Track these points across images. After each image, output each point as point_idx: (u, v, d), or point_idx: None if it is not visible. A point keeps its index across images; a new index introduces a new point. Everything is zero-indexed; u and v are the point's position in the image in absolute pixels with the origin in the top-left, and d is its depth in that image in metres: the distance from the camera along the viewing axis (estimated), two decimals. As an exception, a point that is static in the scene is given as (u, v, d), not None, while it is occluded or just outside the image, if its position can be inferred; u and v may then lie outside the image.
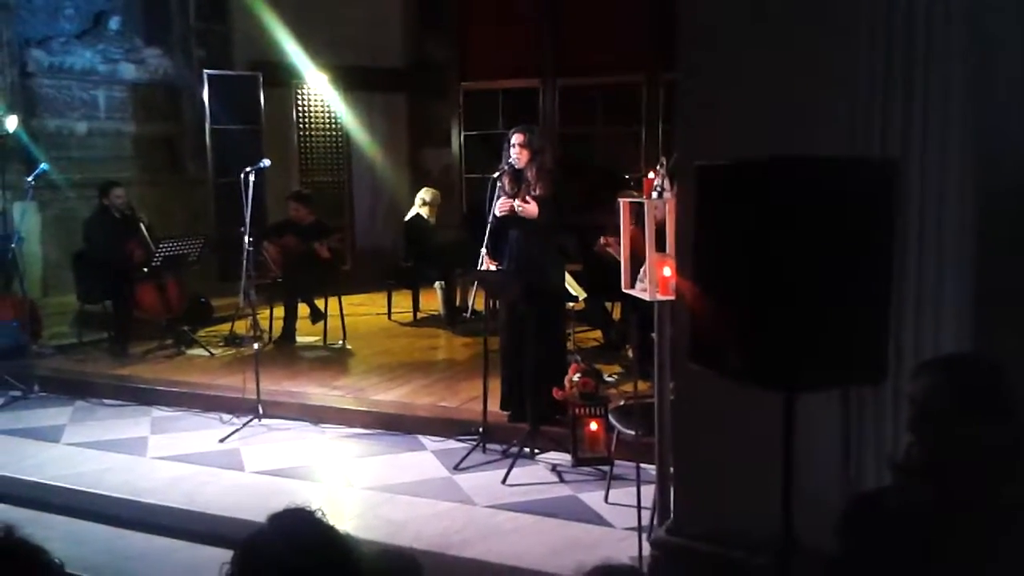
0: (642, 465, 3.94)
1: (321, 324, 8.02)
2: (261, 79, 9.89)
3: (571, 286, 6.44)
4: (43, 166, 7.78)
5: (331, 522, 1.60)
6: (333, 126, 11.11)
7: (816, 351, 2.01)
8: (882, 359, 2.11)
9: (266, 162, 6.49)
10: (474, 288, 5.92)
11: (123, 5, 9.58)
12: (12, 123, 7.77)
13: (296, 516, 1.59)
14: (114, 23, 9.44)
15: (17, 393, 6.73)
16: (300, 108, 10.93)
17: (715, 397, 2.97)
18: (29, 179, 7.64)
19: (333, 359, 7.53)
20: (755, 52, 3.03)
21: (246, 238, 6.19)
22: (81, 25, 9.24)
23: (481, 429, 5.34)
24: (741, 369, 2.10)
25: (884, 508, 2.00)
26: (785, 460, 2.09)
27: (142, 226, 7.87)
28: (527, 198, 5.33)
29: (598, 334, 7.55)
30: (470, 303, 6.78)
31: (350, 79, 10.83)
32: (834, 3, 2.93)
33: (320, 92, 10.88)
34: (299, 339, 7.96)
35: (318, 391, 6.47)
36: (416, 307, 9.03)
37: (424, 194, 9.04)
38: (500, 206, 5.36)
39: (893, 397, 2.84)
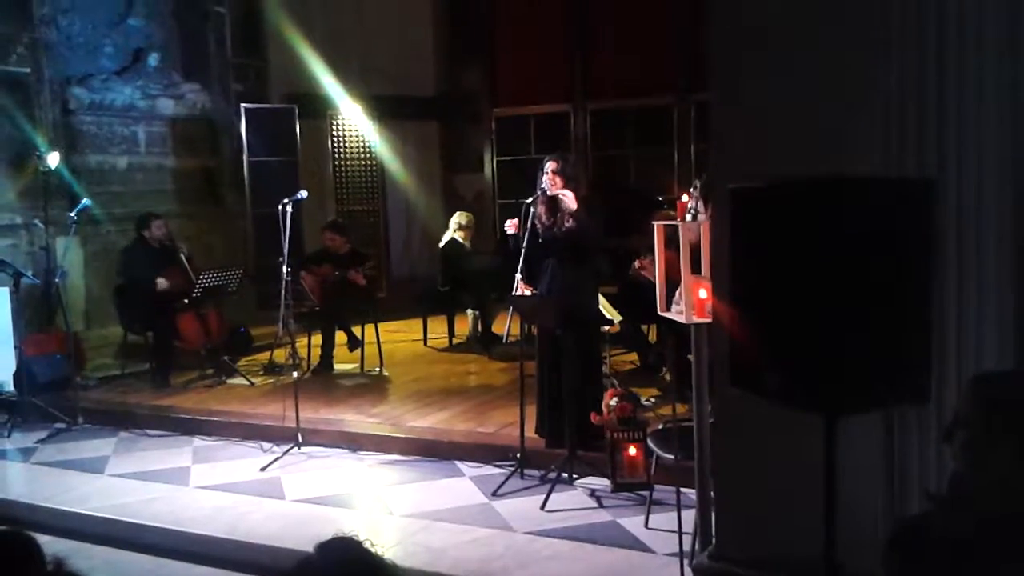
0: (682, 489, 3.91)
1: (358, 351, 8.07)
2: (297, 111, 10.05)
3: (606, 309, 6.42)
4: (85, 202, 7.92)
5: (377, 551, 1.61)
6: (367, 155, 11.23)
7: (857, 373, 1.99)
8: (925, 380, 2.09)
9: (304, 193, 6.56)
10: (510, 313, 5.93)
11: (161, 42, 9.78)
12: (54, 160, 7.93)
13: (343, 545, 1.59)
14: (153, 59, 9.62)
15: (62, 425, 6.83)
16: (335, 139, 11.07)
17: (756, 420, 2.94)
18: (71, 214, 7.79)
19: (370, 386, 7.56)
20: (786, 73, 3.03)
21: (284, 268, 6.26)
22: (120, 62, 9.43)
23: (519, 455, 5.33)
24: (781, 392, 2.09)
25: (929, 534, 1.97)
26: (827, 484, 2.07)
27: (183, 257, 7.98)
28: (565, 191, 5.37)
29: (634, 357, 7.52)
30: (506, 328, 6.80)
31: (383, 108, 10.97)
32: (866, 23, 2.92)
33: (354, 122, 11.01)
34: (337, 367, 8.02)
35: (356, 418, 6.50)
36: (452, 333, 9.06)
37: (459, 218, 9.10)
38: (509, 227, 5.52)
39: (937, 419, 2.80)
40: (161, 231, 7.92)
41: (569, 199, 5.37)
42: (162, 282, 7.70)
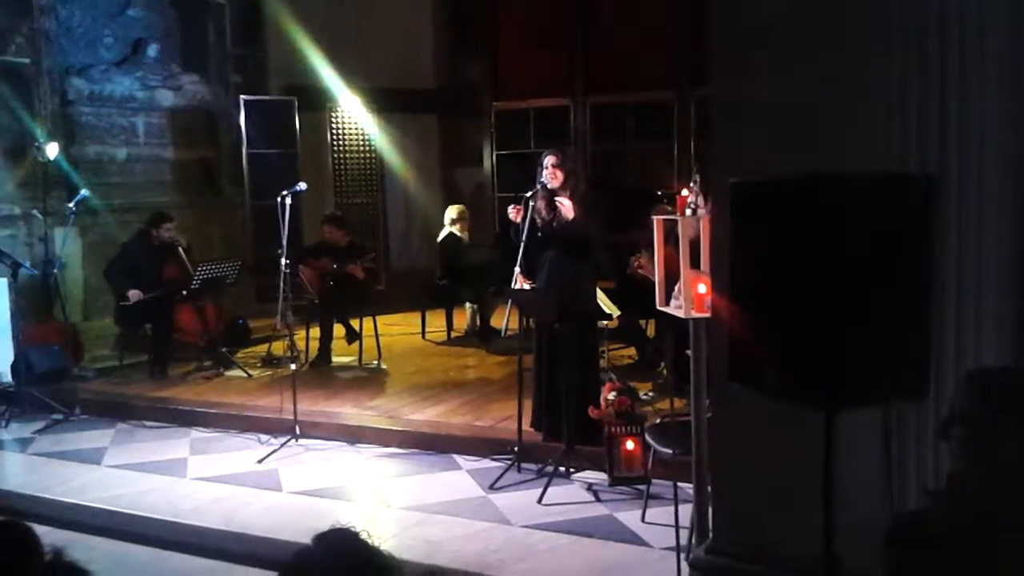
0: (679, 484, 3.91)
1: (356, 344, 8.07)
2: (296, 103, 10.02)
3: (605, 304, 6.42)
4: (83, 192, 7.94)
5: (374, 543, 1.61)
6: (367, 148, 11.22)
7: (856, 369, 1.99)
8: (923, 375, 2.08)
9: (302, 185, 6.56)
10: (508, 307, 5.93)
11: (161, 33, 9.76)
12: (53, 151, 7.93)
13: (341, 536, 1.60)
14: (152, 51, 9.61)
15: (59, 416, 6.83)
16: (334, 131, 11.05)
17: (754, 415, 2.94)
18: (70, 205, 7.80)
19: (368, 379, 7.56)
20: (786, 72, 3.02)
21: (283, 260, 6.26)
22: (120, 53, 9.41)
23: (516, 448, 5.33)
24: (780, 387, 2.08)
25: (928, 530, 1.97)
26: (826, 479, 2.07)
27: (181, 250, 7.97)
28: (564, 199, 5.35)
29: (632, 351, 7.52)
30: (505, 322, 6.80)
31: (383, 101, 10.95)
32: (867, 20, 2.91)
33: (354, 115, 11.00)
34: (335, 359, 8.01)
35: (354, 411, 6.50)
36: (450, 326, 9.06)
37: (451, 212, 9.11)
38: (512, 213, 5.48)
39: (936, 416, 2.79)
40: (169, 233, 7.88)
41: (567, 208, 5.34)
42: (135, 294, 7.58)
